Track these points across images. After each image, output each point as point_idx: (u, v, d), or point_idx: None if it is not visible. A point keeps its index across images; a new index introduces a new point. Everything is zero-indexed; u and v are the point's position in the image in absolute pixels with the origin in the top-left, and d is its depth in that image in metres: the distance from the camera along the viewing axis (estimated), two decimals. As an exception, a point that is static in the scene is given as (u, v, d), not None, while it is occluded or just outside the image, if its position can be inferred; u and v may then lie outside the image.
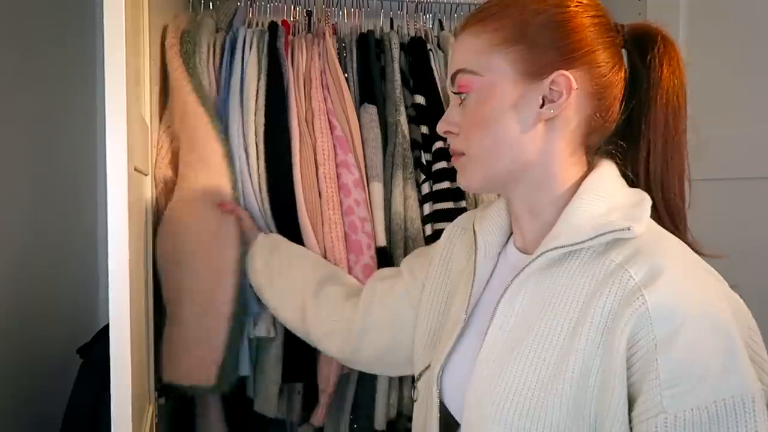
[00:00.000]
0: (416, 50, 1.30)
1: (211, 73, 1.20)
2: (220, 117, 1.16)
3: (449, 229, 0.91)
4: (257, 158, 1.16)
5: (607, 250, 0.64)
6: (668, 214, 0.70)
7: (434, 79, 1.28)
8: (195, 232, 1.08)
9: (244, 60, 1.20)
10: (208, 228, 1.09)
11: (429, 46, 1.31)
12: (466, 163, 0.72)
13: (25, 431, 1.20)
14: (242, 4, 1.39)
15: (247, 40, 1.22)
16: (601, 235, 0.63)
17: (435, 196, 1.20)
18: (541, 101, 0.67)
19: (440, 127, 0.74)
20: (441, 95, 1.27)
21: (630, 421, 0.58)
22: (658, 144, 0.70)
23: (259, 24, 1.35)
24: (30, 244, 1.25)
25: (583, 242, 0.64)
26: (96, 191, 1.55)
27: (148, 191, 1.07)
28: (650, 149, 0.70)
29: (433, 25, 1.47)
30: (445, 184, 1.20)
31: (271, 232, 1.15)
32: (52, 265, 1.35)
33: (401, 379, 1.22)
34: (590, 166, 0.71)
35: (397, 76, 1.26)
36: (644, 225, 0.64)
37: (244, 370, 1.15)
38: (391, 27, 1.44)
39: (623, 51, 0.71)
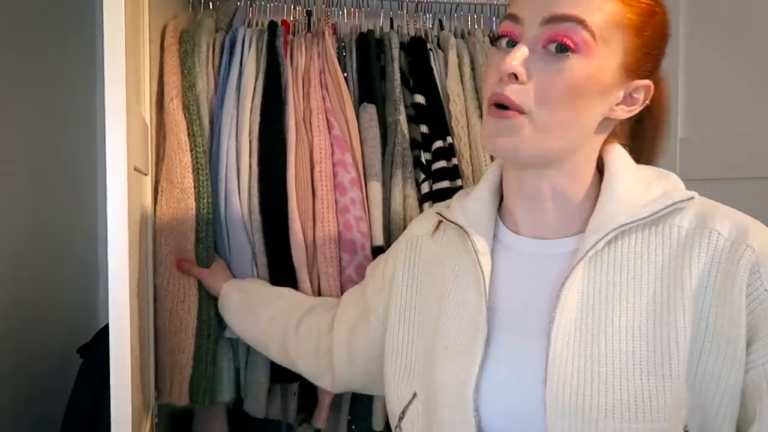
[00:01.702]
0: (416, 50, 1.30)
1: (210, 72, 1.20)
2: (216, 115, 1.17)
3: (401, 244, 0.84)
4: (249, 155, 1.15)
5: (661, 220, 0.65)
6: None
7: (434, 78, 1.28)
8: (162, 246, 1.09)
9: (243, 59, 1.20)
10: (171, 247, 1.09)
11: (429, 46, 1.31)
12: (524, 124, 0.63)
13: (25, 431, 1.20)
14: (242, 4, 1.39)
15: (247, 40, 1.22)
16: (668, 206, 0.64)
17: (434, 196, 1.20)
18: (620, 100, 0.66)
19: (509, 66, 0.62)
20: (441, 95, 1.27)
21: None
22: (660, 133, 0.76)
23: (259, 23, 1.35)
24: (30, 244, 1.25)
25: (649, 216, 0.64)
26: (96, 191, 1.55)
27: (148, 191, 1.07)
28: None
29: (433, 24, 1.47)
30: (445, 184, 1.20)
31: (255, 236, 1.14)
32: (52, 265, 1.35)
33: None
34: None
35: (397, 75, 1.26)
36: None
37: (228, 394, 1.15)
38: (391, 27, 1.44)
39: None
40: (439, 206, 0.83)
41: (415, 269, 0.80)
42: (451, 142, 1.24)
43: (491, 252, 0.72)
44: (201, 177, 1.10)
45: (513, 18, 0.65)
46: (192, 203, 1.09)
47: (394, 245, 0.88)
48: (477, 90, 1.28)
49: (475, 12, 1.46)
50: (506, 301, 0.69)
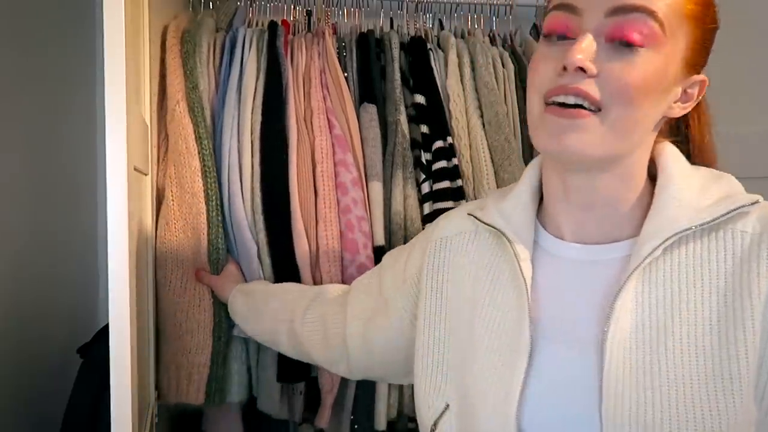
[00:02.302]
0: (416, 50, 1.30)
1: (211, 72, 1.20)
2: (217, 115, 1.17)
3: (429, 243, 0.78)
4: (252, 156, 1.15)
5: (721, 225, 0.61)
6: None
7: (434, 78, 1.28)
8: (174, 251, 1.10)
9: (243, 59, 1.20)
10: (185, 252, 1.10)
11: (429, 46, 1.31)
12: (595, 123, 0.58)
13: (25, 431, 1.20)
14: (242, 4, 1.39)
15: (247, 40, 1.22)
16: (732, 210, 0.60)
17: (435, 196, 1.20)
18: (678, 96, 0.63)
19: (574, 59, 0.57)
20: (441, 95, 1.27)
21: None
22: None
23: (259, 23, 1.35)
24: (30, 244, 1.25)
25: (711, 221, 0.60)
26: (96, 191, 1.55)
27: (148, 191, 1.07)
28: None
29: (433, 24, 1.47)
30: (445, 184, 1.20)
31: (258, 236, 1.14)
32: (52, 265, 1.35)
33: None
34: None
35: (397, 75, 1.26)
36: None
37: (239, 394, 1.15)
38: (391, 26, 1.44)
39: None
40: (470, 206, 0.78)
41: (443, 272, 0.75)
42: (452, 142, 1.24)
43: (531, 258, 0.67)
44: (209, 180, 1.10)
45: (568, 8, 0.60)
46: (203, 206, 1.09)
47: (417, 242, 0.83)
48: (477, 90, 1.28)
49: (475, 12, 1.46)
50: (549, 311, 0.64)
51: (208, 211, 1.09)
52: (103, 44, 0.73)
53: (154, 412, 1.08)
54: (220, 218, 1.11)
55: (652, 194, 0.65)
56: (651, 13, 0.56)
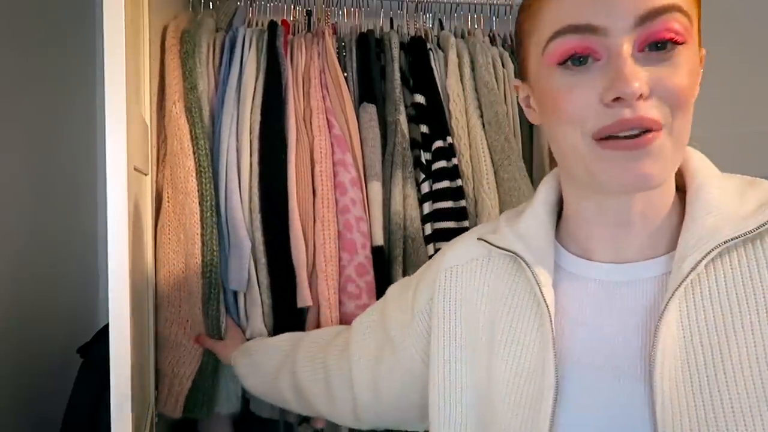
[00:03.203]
0: (416, 50, 1.30)
1: (210, 72, 1.20)
2: (216, 114, 1.17)
3: (439, 274, 0.71)
4: (250, 155, 1.15)
5: (759, 235, 0.54)
6: None
7: (434, 78, 1.28)
8: (169, 257, 1.10)
9: (243, 59, 1.21)
10: (179, 253, 1.10)
11: (429, 46, 1.31)
12: (667, 141, 0.53)
13: (25, 431, 1.20)
14: (242, 4, 1.39)
15: (247, 39, 1.23)
16: None
17: (434, 196, 1.20)
18: None
19: (633, 88, 0.51)
20: (441, 94, 1.27)
21: None
22: None
23: (259, 23, 1.35)
24: (30, 244, 1.25)
25: (755, 230, 0.54)
26: (96, 191, 1.55)
27: (148, 191, 1.07)
28: None
29: (433, 24, 1.47)
30: (445, 183, 1.20)
31: (255, 235, 1.14)
32: (52, 265, 1.35)
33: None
34: None
35: (397, 75, 1.26)
36: None
37: (228, 407, 1.14)
38: (391, 26, 1.44)
39: None
40: (480, 231, 0.72)
41: (455, 305, 0.69)
42: (451, 141, 1.24)
43: (553, 283, 0.61)
44: (204, 180, 1.10)
45: (587, 30, 0.53)
46: (196, 207, 1.09)
47: (423, 274, 0.76)
48: (477, 90, 1.28)
49: (475, 12, 1.46)
50: (576, 340, 0.59)
51: (201, 211, 1.09)
52: (103, 44, 0.73)
53: (154, 412, 1.08)
54: (214, 219, 1.10)
55: (682, 202, 0.60)
56: (679, 9, 0.52)
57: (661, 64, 0.52)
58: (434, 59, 1.30)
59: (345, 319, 1.17)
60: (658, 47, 0.52)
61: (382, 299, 0.84)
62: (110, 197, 0.75)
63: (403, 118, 1.23)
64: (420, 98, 1.26)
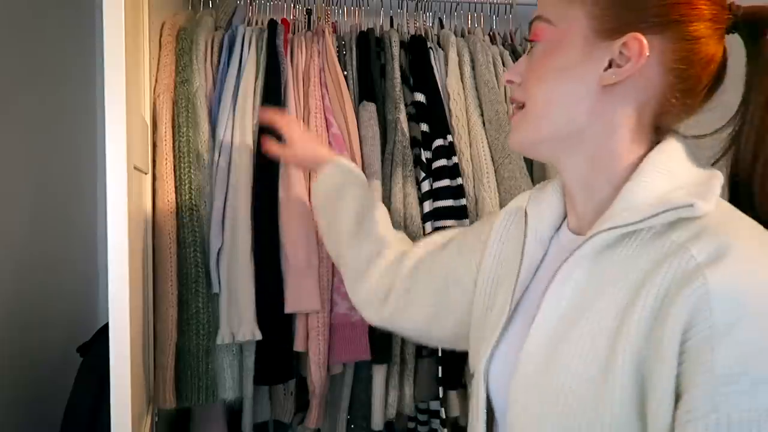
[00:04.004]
0: (416, 48, 1.30)
1: (208, 70, 1.20)
2: (214, 113, 1.17)
3: (508, 208, 0.82)
4: (249, 154, 1.15)
5: (668, 230, 0.56)
6: None
7: (434, 77, 1.28)
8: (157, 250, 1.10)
9: (242, 58, 1.20)
10: (159, 254, 1.09)
11: (429, 44, 1.31)
12: (520, 118, 0.67)
13: (25, 431, 1.20)
14: (242, 2, 1.39)
15: (246, 39, 1.22)
16: (660, 213, 0.56)
17: (435, 194, 1.20)
18: (606, 64, 0.60)
19: (506, 75, 0.70)
20: (441, 93, 1.26)
21: (672, 421, 0.51)
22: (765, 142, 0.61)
23: (259, 22, 1.35)
24: (30, 244, 1.25)
25: (640, 221, 0.57)
26: (96, 191, 1.55)
27: (148, 190, 1.07)
28: (757, 149, 0.61)
29: (433, 23, 1.47)
30: (445, 182, 1.20)
31: (251, 231, 1.14)
32: (52, 265, 1.35)
33: (401, 378, 1.22)
34: (652, 145, 0.63)
35: (397, 74, 1.26)
36: (711, 203, 0.55)
37: (229, 391, 1.13)
38: (391, 25, 1.44)
39: (732, 34, 0.63)
40: (538, 188, 0.81)
41: (504, 236, 0.79)
42: (452, 140, 1.24)
43: (547, 244, 0.71)
44: (182, 165, 1.10)
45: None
46: (170, 188, 1.09)
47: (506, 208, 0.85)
48: (477, 88, 1.28)
49: (475, 11, 1.46)
50: (534, 295, 0.67)
51: (178, 194, 1.09)
52: (103, 44, 0.73)
53: (154, 411, 1.08)
54: (194, 202, 1.10)
55: None
56: (539, 17, 0.65)
57: (530, 57, 0.67)
58: (434, 58, 1.30)
59: (336, 320, 1.16)
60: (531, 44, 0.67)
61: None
62: (110, 196, 0.74)
63: (403, 117, 1.23)
64: (420, 97, 1.26)
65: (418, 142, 1.23)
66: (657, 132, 0.63)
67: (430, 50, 1.30)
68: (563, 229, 0.71)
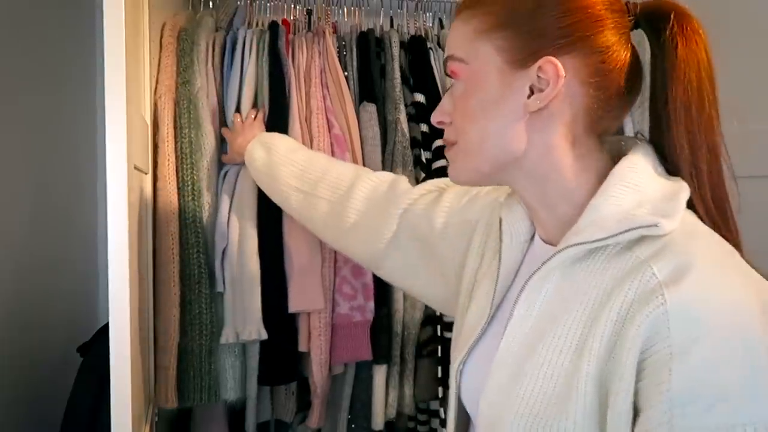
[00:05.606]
0: (416, 48, 1.30)
1: (209, 71, 1.20)
2: (217, 115, 1.17)
3: (490, 197, 0.81)
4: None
5: (633, 245, 0.57)
6: (706, 212, 0.60)
7: (434, 77, 1.28)
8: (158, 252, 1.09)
9: (244, 61, 1.20)
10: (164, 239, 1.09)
11: (429, 45, 1.31)
12: (454, 154, 0.67)
13: (25, 431, 1.20)
14: (242, 3, 1.39)
15: (247, 41, 1.22)
16: (625, 231, 0.56)
17: (435, 195, 1.20)
18: (528, 91, 0.61)
19: (433, 117, 0.70)
20: (441, 93, 1.27)
21: None
22: (681, 131, 0.60)
23: (259, 23, 1.35)
24: (30, 244, 1.25)
25: (605, 239, 0.57)
26: (96, 190, 1.55)
27: (148, 190, 1.07)
28: (676, 138, 0.60)
29: (433, 23, 1.47)
30: (446, 183, 1.20)
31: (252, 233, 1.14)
32: (52, 265, 1.35)
33: (401, 378, 1.22)
34: (622, 153, 0.63)
35: (397, 74, 1.26)
36: (676, 221, 0.56)
37: (232, 392, 1.13)
38: (391, 25, 1.44)
39: (634, 33, 0.63)
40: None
41: (488, 231, 0.79)
42: (452, 141, 1.23)
43: (524, 248, 0.71)
44: (185, 166, 1.10)
45: None
46: (173, 189, 1.09)
47: (482, 195, 0.85)
48: (477, 89, 1.28)
49: (475, 11, 1.46)
50: (508, 301, 0.69)
51: (180, 195, 1.09)
52: (103, 44, 0.73)
53: (154, 411, 1.08)
54: (196, 202, 1.10)
55: None
56: (451, 57, 0.66)
57: (452, 96, 0.67)
58: (434, 58, 1.30)
59: (337, 320, 1.16)
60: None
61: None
62: (110, 196, 0.75)
63: (403, 117, 1.23)
64: (420, 97, 1.26)
65: (418, 143, 1.23)
66: (600, 139, 0.64)
67: (430, 50, 1.30)
68: (536, 236, 0.70)
